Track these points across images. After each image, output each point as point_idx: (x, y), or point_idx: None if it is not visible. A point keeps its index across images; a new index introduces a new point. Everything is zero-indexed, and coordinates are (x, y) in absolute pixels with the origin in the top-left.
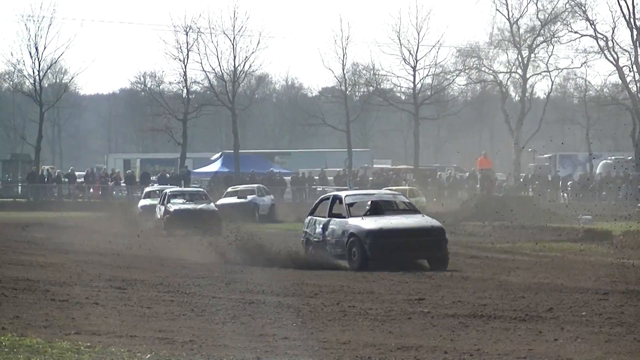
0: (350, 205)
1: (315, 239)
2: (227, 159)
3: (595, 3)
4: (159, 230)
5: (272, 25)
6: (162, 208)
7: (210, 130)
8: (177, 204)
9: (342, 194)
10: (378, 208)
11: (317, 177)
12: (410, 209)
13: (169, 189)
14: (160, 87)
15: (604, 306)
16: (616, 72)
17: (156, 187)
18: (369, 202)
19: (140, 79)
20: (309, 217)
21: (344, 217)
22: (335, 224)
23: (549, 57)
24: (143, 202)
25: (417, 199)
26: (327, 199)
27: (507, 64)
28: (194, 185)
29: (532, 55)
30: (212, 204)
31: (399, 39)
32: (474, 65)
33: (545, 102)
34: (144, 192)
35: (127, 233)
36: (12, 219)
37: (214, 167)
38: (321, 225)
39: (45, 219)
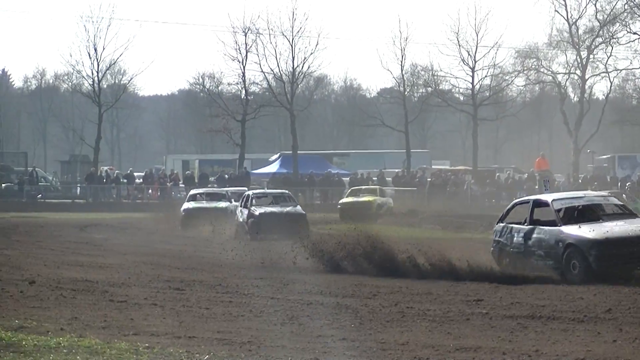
0: (559, 210)
1: (514, 249)
2: (286, 160)
3: None
4: (239, 235)
5: (330, 26)
6: (245, 211)
7: (268, 131)
8: (262, 207)
9: (548, 198)
10: (591, 213)
11: (375, 178)
12: (627, 213)
13: (251, 191)
14: (219, 88)
15: None
16: None
17: (202, 189)
18: (578, 207)
19: (199, 80)
20: (502, 225)
21: (556, 225)
22: (543, 232)
23: (608, 58)
24: (187, 205)
25: (385, 200)
26: (524, 203)
27: (566, 65)
28: (254, 185)
29: (591, 56)
30: (298, 207)
31: (457, 39)
32: (533, 66)
33: (604, 103)
34: (189, 194)
35: (193, 235)
36: (71, 220)
37: (272, 168)
38: (522, 234)
39: (104, 219)
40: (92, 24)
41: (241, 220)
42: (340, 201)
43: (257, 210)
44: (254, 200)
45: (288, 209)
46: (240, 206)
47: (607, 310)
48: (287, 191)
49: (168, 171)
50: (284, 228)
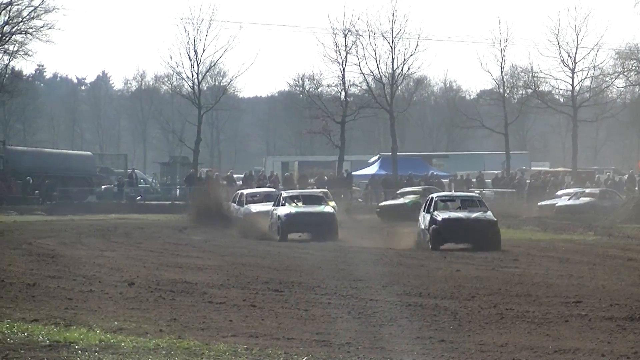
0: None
1: None
2: (385, 161)
3: None
4: (420, 243)
5: (430, 27)
6: (428, 217)
7: (368, 133)
8: (446, 212)
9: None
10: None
11: (475, 180)
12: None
13: (436, 194)
14: (319, 89)
15: None
16: None
17: (296, 191)
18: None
19: (298, 81)
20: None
21: None
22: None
23: None
24: (257, 207)
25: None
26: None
27: None
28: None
29: None
30: (489, 212)
31: (557, 41)
32: (633, 68)
33: None
34: (282, 196)
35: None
36: (171, 222)
37: (372, 169)
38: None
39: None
40: (192, 26)
41: (423, 227)
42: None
43: (440, 216)
44: (438, 204)
45: (476, 214)
46: (423, 211)
47: None
48: (477, 194)
49: (268, 173)
50: (470, 236)
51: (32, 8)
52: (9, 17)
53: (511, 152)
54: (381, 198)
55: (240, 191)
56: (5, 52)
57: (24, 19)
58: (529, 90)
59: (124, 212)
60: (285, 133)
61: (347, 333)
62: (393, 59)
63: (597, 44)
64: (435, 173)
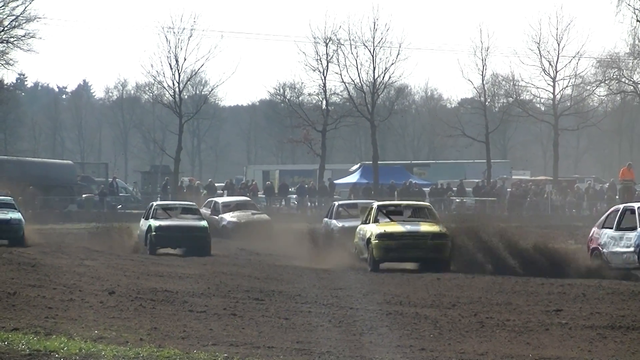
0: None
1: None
2: (366, 170)
3: None
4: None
5: (411, 36)
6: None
7: (349, 142)
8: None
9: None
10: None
11: (456, 189)
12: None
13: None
14: (300, 98)
15: None
16: None
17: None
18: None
19: (279, 90)
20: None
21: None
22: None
23: None
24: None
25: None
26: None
27: None
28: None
29: None
30: (203, 220)
31: (539, 49)
32: (614, 76)
33: None
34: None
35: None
36: None
37: (353, 178)
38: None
39: None
40: (174, 35)
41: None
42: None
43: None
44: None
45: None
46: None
47: None
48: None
49: (249, 182)
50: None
51: (13, 17)
52: None
53: (492, 160)
54: None
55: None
56: None
57: (5, 28)
58: (510, 99)
59: (105, 220)
60: (266, 142)
61: (327, 342)
62: (374, 68)
63: (578, 52)
64: (415, 182)
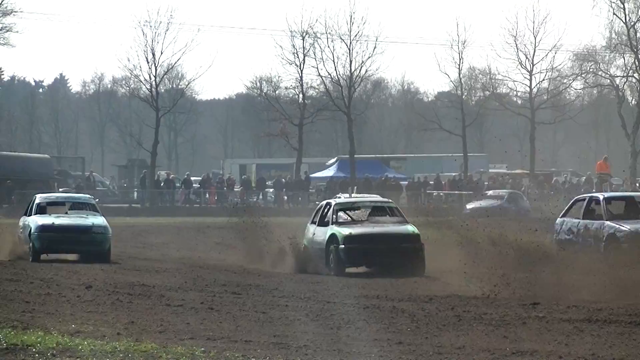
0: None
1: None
2: (343, 164)
3: None
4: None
5: (388, 30)
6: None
7: (325, 136)
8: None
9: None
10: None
11: (432, 182)
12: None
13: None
14: (277, 92)
15: None
16: None
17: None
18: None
19: (256, 84)
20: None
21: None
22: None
23: None
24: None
25: None
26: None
27: (624, 68)
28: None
29: None
30: (102, 218)
31: (515, 43)
32: (591, 70)
33: None
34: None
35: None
36: (128, 225)
37: (330, 172)
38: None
39: (161, 225)
40: (150, 29)
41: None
42: None
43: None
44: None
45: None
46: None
47: None
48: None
49: (226, 176)
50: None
51: None
52: None
53: (469, 154)
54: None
55: None
56: None
57: None
58: (487, 93)
59: None
60: (243, 136)
61: (305, 335)
62: (351, 61)
63: (555, 45)
64: (391, 175)
